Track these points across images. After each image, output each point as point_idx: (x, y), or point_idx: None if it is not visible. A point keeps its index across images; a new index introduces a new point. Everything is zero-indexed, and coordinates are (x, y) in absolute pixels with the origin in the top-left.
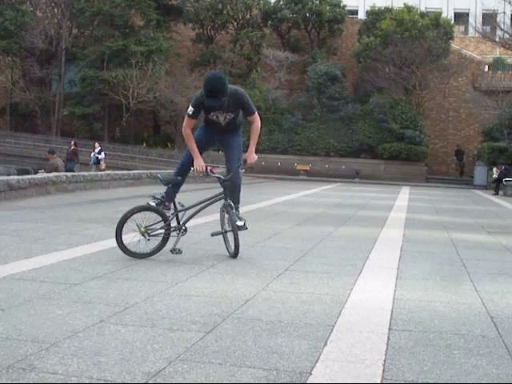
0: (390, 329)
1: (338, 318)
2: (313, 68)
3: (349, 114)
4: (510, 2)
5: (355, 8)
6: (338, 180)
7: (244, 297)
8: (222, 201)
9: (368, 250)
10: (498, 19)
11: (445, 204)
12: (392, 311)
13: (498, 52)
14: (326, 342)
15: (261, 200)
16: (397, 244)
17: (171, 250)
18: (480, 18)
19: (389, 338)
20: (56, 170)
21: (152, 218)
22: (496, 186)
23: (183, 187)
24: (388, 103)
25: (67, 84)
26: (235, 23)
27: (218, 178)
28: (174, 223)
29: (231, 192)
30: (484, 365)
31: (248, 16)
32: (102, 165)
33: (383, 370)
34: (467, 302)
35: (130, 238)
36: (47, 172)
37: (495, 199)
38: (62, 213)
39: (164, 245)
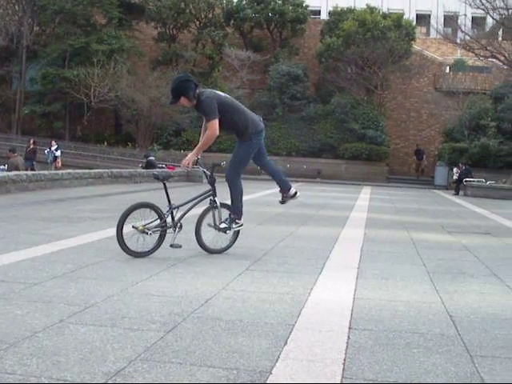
0: (350, 328)
1: (298, 317)
2: (275, 68)
3: (310, 113)
4: (470, 5)
5: (318, 8)
6: (300, 180)
7: (204, 296)
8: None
9: (329, 249)
10: (459, 21)
11: (406, 204)
12: (352, 310)
13: (459, 53)
14: (286, 341)
15: (220, 199)
16: (357, 243)
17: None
18: (441, 20)
19: (349, 337)
20: (17, 168)
21: (148, 215)
22: (456, 186)
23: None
24: (349, 103)
25: (28, 82)
26: (197, 22)
27: (205, 174)
28: (169, 220)
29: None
30: (443, 363)
31: (210, 15)
32: (59, 162)
33: (343, 369)
34: (427, 301)
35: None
36: (8, 170)
37: (456, 199)
38: (23, 212)
39: (162, 242)
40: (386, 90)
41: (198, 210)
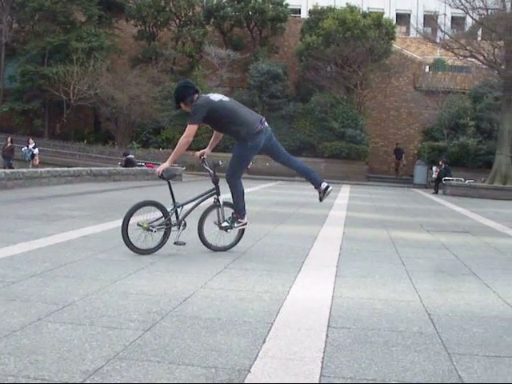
0: (328, 326)
1: (276, 315)
2: (255, 66)
3: (290, 112)
4: (450, 5)
5: (298, 7)
6: (279, 178)
7: (183, 294)
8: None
9: (308, 247)
10: (438, 21)
11: (385, 202)
12: (331, 309)
13: (438, 53)
14: (264, 339)
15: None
16: (336, 242)
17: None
18: (421, 20)
19: (327, 335)
20: None
21: (153, 213)
22: (436, 185)
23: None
24: (329, 102)
25: (7, 80)
26: (178, 20)
27: (209, 173)
28: (173, 218)
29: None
30: (421, 361)
31: (190, 13)
32: (37, 160)
33: (321, 367)
34: (405, 300)
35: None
36: None
37: (435, 198)
38: (1, 210)
39: (166, 239)
40: (365, 88)
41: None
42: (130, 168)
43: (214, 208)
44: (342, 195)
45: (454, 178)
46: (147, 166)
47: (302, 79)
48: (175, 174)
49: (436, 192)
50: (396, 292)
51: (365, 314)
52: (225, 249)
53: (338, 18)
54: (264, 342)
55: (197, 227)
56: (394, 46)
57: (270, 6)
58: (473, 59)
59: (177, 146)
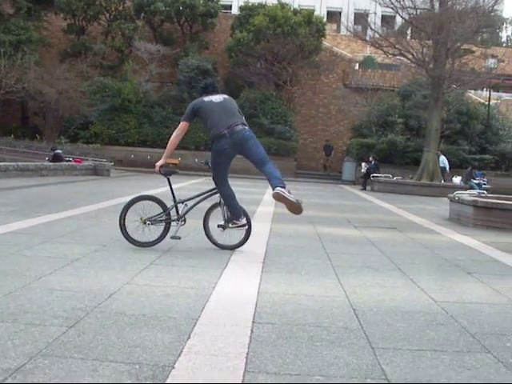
0: (253, 322)
1: (202, 311)
2: (184, 62)
3: None
4: (380, 4)
5: (229, 3)
6: (208, 174)
7: (108, 290)
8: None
9: None
10: (369, 19)
11: (313, 199)
12: (256, 304)
13: (368, 51)
14: (189, 335)
15: (128, 193)
16: (263, 238)
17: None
18: (352, 18)
19: (252, 330)
20: None
21: (152, 208)
22: (364, 181)
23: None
24: (259, 98)
25: None
26: (108, 15)
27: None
28: (173, 214)
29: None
30: (345, 355)
31: (121, 8)
32: None
33: (246, 363)
34: (331, 295)
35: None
36: None
37: (362, 194)
38: None
39: (166, 234)
40: (295, 85)
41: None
42: (58, 163)
43: (217, 206)
44: (271, 191)
45: (382, 175)
46: (75, 162)
47: (232, 75)
48: (174, 171)
49: (364, 188)
50: (322, 287)
51: (290, 309)
52: (231, 248)
53: (269, 15)
54: (189, 337)
55: (202, 224)
56: (325, 43)
57: (201, 1)
58: (402, 57)
59: (169, 141)
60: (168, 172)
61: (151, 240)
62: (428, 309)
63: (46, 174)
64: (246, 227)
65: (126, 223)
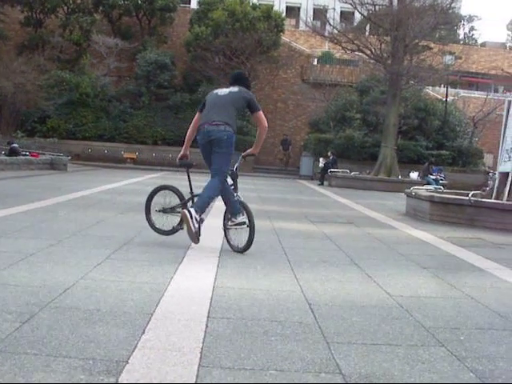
0: (208, 317)
1: (157, 306)
2: (142, 56)
3: (177, 102)
4: (339, 0)
5: None
6: (165, 168)
7: (63, 285)
8: None
9: None
10: (328, 15)
11: (270, 193)
12: (212, 299)
13: (326, 46)
14: (144, 330)
15: (85, 188)
16: (219, 233)
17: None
18: (311, 13)
19: (207, 325)
20: None
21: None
22: (321, 176)
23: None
24: None
25: None
26: (65, 7)
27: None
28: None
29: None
30: (300, 350)
31: (79, 1)
32: None
33: (200, 358)
34: (287, 290)
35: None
36: None
37: (320, 189)
38: None
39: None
40: (253, 80)
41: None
42: (15, 157)
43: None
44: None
45: (340, 170)
46: (32, 156)
47: (190, 70)
48: (192, 163)
49: (322, 183)
50: (277, 282)
51: (245, 304)
52: (239, 250)
53: (228, 10)
54: (143, 332)
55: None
56: (283, 38)
57: None
58: (360, 53)
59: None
60: (187, 164)
61: (168, 229)
62: (383, 303)
63: (2, 168)
64: (245, 226)
65: (151, 211)
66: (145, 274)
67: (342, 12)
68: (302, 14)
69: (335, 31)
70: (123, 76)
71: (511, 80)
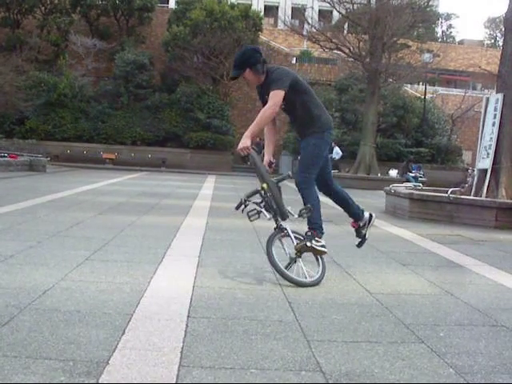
0: (188, 316)
1: (137, 306)
2: (121, 56)
3: (156, 102)
4: None
5: None
6: (144, 169)
7: (42, 287)
8: None
9: (170, 238)
10: (306, 14)
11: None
12: (192, 299)
13: (305, 45)
14: (124, 330)
15: (64, 189)
16: (199, 232)
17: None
18: (289, 12)
19: (187, 325)
20: None
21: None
22: None
23: None
24: (195, 92)
25: None
26: (43, 8)
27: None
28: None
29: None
30: (280, 348)
31: (56, 1)
32: None
33: (181, 357)
34: (267, 289)
35: None
36: None
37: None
38: None
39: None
40: (231, 79)
41: None
42: None
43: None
44: (207, 185)
45: None
46: (10, 157)
47: (169, 69)
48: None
49: None
50: (257, 281)
51: (225, 303)
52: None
53: (206, 9)
54: (123, 333)
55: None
56: (262, 37)
57: None
58: (339, 52)
59: (258, 116)
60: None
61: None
62: (363, 301)
63: None
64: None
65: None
66: (124, 274)
67: (320, 11)
68: (281, 13)
69: (313, 30)
70: (102, 76)
71: (489, 77)
